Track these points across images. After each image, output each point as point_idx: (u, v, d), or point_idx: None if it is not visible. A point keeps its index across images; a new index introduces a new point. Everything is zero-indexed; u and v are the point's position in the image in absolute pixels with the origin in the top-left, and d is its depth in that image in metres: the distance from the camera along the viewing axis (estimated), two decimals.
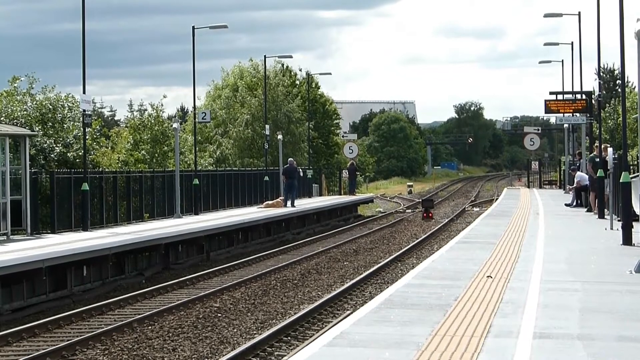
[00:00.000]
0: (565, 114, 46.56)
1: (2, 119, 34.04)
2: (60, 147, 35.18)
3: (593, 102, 45.59)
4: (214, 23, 44.31)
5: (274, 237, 38.52)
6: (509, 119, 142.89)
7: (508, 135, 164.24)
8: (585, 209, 34.76)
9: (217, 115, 69.06)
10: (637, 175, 27.15)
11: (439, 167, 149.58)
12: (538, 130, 67.37)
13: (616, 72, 78.56)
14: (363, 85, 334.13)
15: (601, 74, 51.59)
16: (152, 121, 51.40)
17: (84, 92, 30.20)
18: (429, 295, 13.70)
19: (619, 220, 23.48)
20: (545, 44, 62.00)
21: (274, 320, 18.54)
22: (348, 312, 18.85)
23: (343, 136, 75.28)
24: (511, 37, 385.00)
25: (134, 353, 15.59)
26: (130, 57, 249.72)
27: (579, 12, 46.48)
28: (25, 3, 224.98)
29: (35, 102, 36.73)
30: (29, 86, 38.22)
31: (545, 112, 47.91)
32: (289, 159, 45.82)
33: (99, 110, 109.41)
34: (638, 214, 25.03)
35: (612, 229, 24.88)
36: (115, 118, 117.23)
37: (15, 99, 36.62)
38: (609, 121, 66.71)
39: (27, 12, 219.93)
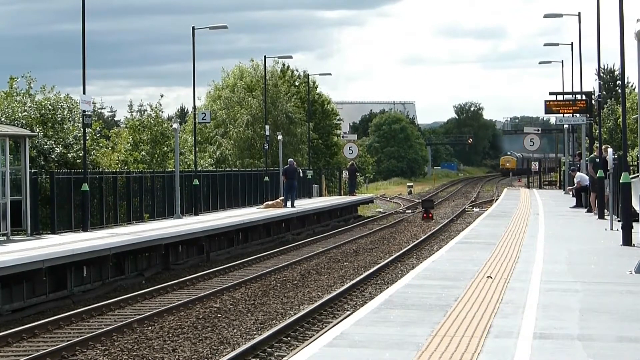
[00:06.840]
0: (565, 115, 46.60)
1: (2, 119, 34.02)
2: (61, 148, 35.14)
3: (593, 102, 45.61)
4: (214, 23, 44.37)
5: (274, 238, 38.51)
6: (509, 119, 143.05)
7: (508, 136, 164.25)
8: (585, 210, 34.76)
9: (217, 115, 69.05)
10: (637, 176, 27.14)
11: (439, 167, 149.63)
12: (538, 130, 67.36)
13: (616, 72, 78.55)
14: (363, 86, 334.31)
15: (601, 74, 51.59)
16: (152, 122, 51.38)
17: (84, 93, 30.18)
18: (429, 295, 13.70)
19: (619, 221, 23.48)
20: (546, 45, 62.11)
21: (274, 321, 18.54)
22: (348, 312, 18.86)
23: (343, 137, 75.28)
24: (511, 38, 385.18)
25: (134, 354, 15.60)
26: (130, 57, 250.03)
27: (579, 13, 46.55)
28: (25, 3, 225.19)
29: (35, 103, 36.70)
30: (27, 86, 38.23)
31: (546, 113, 47.96)
32: (289, 160, 45.81)
33: (99, 110, 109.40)
34: (639, 213, 25.02)
35: (612, 229, 24.87)
36: (115, 118, 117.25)
37: (14, 99, 36.57)
38: (609, 122, 66.71)
39: (27, 12, 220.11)
